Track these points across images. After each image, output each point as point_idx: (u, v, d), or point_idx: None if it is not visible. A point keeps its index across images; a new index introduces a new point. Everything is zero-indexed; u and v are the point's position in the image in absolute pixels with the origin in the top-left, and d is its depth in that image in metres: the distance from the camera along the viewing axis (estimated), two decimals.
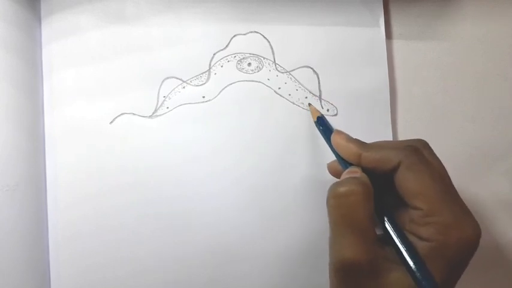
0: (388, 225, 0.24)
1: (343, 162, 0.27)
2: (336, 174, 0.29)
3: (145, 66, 0.32)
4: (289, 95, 0.33)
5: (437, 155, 0.35)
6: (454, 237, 0.21)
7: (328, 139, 0.29)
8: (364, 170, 0.25)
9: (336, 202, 0.23)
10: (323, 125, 0.31)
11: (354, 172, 0.25)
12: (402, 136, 0.34)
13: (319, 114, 0.31)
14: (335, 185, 0.24)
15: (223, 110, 0.33)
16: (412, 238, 0.23)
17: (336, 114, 0.33)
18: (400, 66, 0.34)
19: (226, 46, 0.33)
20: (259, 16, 0.33)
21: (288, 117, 0.33)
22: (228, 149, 0.32)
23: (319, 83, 0.33)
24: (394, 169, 0.24)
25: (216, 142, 0.32)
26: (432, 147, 0.35)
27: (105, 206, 0.32)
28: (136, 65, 0.32)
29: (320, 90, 0.33)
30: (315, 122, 0.31)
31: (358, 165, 0.26)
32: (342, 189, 0.23)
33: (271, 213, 0.32)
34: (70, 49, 0.32)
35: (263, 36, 0.33)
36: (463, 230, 0.22)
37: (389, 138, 0.33)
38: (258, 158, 0.32)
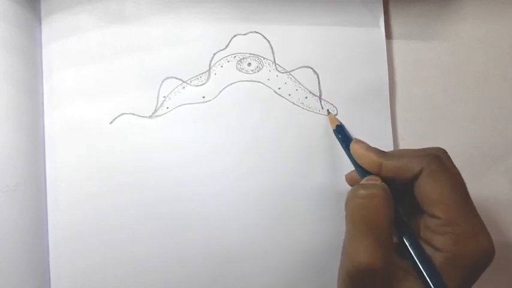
0: (405, 236, 0.24)
1: (362, 171, 0.27)
2: (354, 184, 0.29)
3: (145, 66, 0.32)
4: (289, 95, 0.33)
5: None
6: (470, 248, 0.22)
7: (346, 148, 0.29)
8: (383, 179, 0.25)
9: (358, 203, 0.23)
10: (342, 134, 0.31)
11: (373, 180, 0.25)
12: (402, 136, 0.34)
13: (338, 123, 0.31)
14: (357, 186, 0.24)
15: (223, 110, 0.33)
16: (426, 247, 0.23)
17: (336, 114, 0.33)
18: (400, 66, 0.34)
19: (226, 46, 0.33)
20: (259, 16, 0.33)
21: (288, 117, 0.33)
22: (228, 149, 0.32)
23: (319, 83, 0.33)
24: (416, 176, 0.24)
25: (216, 142, 0.32)
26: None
27: (105, 206, 0.32)
28: (136, 65, 0.32)
29: (320, 90, 0.33)
30: (333, 130, 0.31)
31: (377, 174, 0.25)
32: (365, 190, 0.23)
33: (272, 213, 0.32)
34: (70, 49, 0.32)
35: (263, 36, 0.33)
36: (479, 241, 0.22)
37: (389, 138, 0.33)
38: (258, 158, 0.32)
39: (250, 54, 0.33)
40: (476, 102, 0.35)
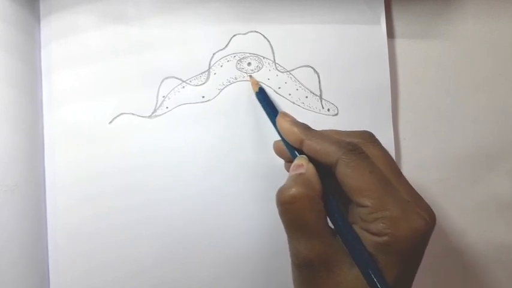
0: (335, 225, 0.24)
1: (289, 146, 0.27)
2: (281, 154, 0.29)
3: (144, 66, 0.32)
4: (289, 94, 0.33)
5: (439, 155, 0.35)
6: (403, 229, 0.21)
7: (270, 115, 0.29)
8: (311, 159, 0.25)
9: (283, 209, 0.23)
10: (265, 99, 0.30)
11: (299, 167, 0.24)
12: (403, 136, 0.34)
13: (260, 86, 0.31)
14: (280, 190, 0.23)
15: (222, 110, 0.32)
16: (364, 233, 0.22)
17: (336, 114, 0.33)
18: (401, 65, 0.34)
19: (226, 46, 0.33)
20: (259, 16, 0.33)
21: None
22: (228, 149, 0.32)
23: (319, 82, 0.33)
24: (333, 165, 0.23)
25: (215, 142, 0.32)
26: (434, 147, 0.35)
27: (104, 207, 0.31)
28: (136, 64, 0.32)
29: (321, 90, 0.33)
30: (256, 93, 0.31)
31: (301, 150, 0.25)
32: (287, 195, 0.23)
33: (273, 213, 0.32)
34: (69, 49, 0.32)
35: (263, 35, 0.33)
36: (411, 221, 0.21)
37: (391, 137, 0.33)
38: (258, 157, 0.32)
39: (250, 53, 0.33)
40: (477, 102, 0.35)
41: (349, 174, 0.23)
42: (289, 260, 0.32)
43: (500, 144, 0.35)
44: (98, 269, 0.31)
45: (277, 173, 0.32)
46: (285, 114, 0.28)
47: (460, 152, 0.35)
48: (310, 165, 0.24)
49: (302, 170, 0.24)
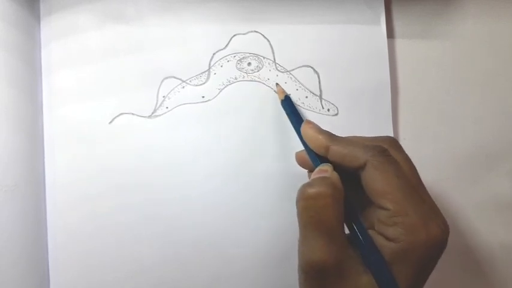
0: (351, 231, 0.23)
1: (312, 154, 0.27)
2: (303, 164, 0.29)
3: (144, 65, 0.32)
4: (290, 94, 0.33)
5: (439, 155, 0.35)
6: (421, 237, 0.21)
7: (294, 124, 0.29)
8: (335, 166, 0.25)
9: (305, 204, 0.23)
10: (290, 107, 0.31)
11: (324, 171, 0.24)
12: (403, 136, 0.34)
13: (286, 94, 0.31)
14: (304, 186, 0.23)
15: (222, 110, 0.32)
16: (380, 239, 0.22)
17: (336, 114, 0.33)
18: (401, 65, 0.34)
19: (226, 46, 0.33)
20: (259, 16, 0.33)
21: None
22: (228, 149, 0.32)
23: (319, 82, 0.33)
24: (361, 167, 0.23)
25: (215, 142, 0.32)
26: (434, 147, 0.35)
27: (104, 206, 0.31)
28: (136, 64, 0.32)
29: (320, 90, 0.33)
30: (281, 101, 0.31)
31: (325, 157, 0.25)
32: (311, 191, 0.23)
33: (275, 213, 0.32)
34: (69, 49, 0.32)
35: (263, 35, 0.33)
36: (430, 229, 0.22)
37: None
38: (258, 157, 0.32)
39: (250, 53, 0.33)
40: (478, 102, 0.35)
41: (376, 177, 0.23)
42: (290, 260, 0.32)
43: (500, 144, 0.35)
44: (98, 269, 0.31)
45: (277, 173, 0.32)
46: (310, 122, 0.28)
47: (460, 152, 0.34)
48: (334, 172, 0.24)
49: (326, 174, 0.24)
